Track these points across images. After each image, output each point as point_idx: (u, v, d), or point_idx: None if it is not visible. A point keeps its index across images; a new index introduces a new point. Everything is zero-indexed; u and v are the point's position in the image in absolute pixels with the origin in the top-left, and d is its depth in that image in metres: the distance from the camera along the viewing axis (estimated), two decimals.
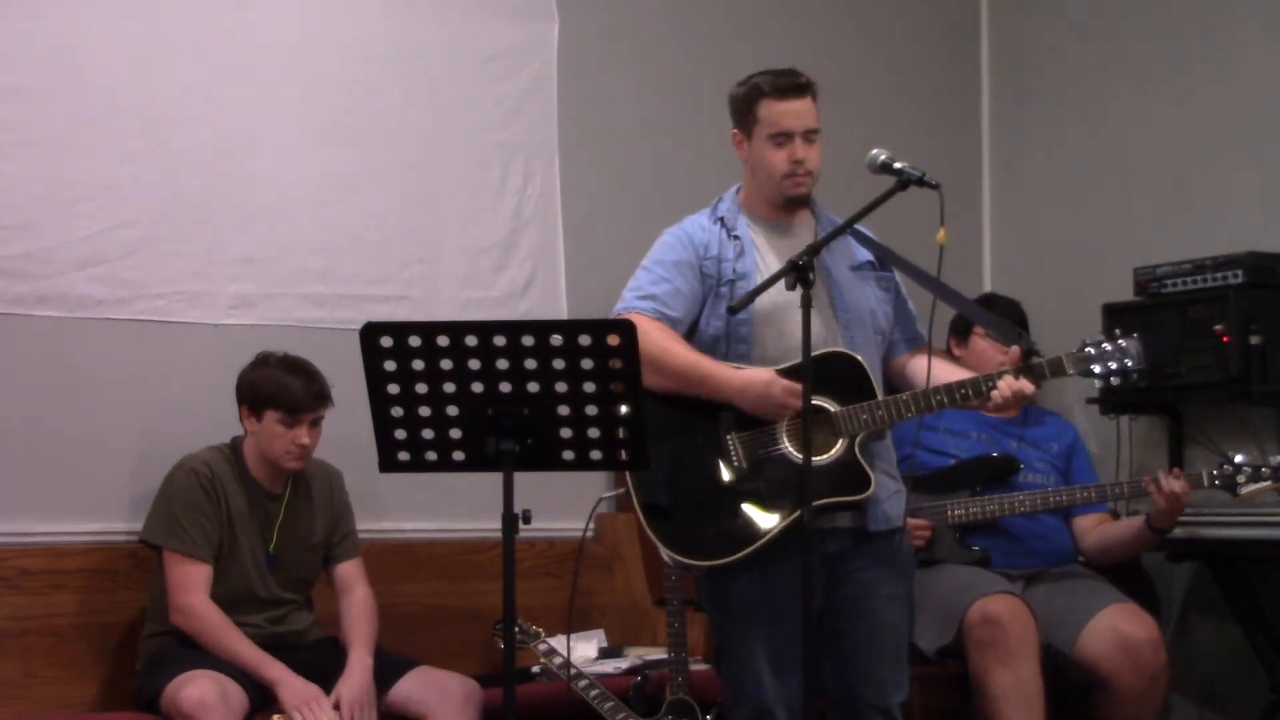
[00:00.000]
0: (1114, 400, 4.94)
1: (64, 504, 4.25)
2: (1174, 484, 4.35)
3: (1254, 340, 4.62)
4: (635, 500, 3.49)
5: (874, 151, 3.45)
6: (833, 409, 3.42)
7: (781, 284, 3.32)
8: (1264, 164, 5.08)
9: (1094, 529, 4.69)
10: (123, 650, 4.16)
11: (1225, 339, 4.63)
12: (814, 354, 3.29)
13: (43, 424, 4.25)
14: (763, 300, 3.39)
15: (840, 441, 3.42)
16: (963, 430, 4.70)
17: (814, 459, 3.28)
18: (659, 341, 3.44)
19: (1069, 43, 5.73)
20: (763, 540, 3.39)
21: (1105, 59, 5.59)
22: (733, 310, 3.39)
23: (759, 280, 3.41)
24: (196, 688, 3.68)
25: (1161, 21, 5.43)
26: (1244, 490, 4.29)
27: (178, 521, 3.94)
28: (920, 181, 3.37)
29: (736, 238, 3.55)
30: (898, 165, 3.40)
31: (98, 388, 4.33)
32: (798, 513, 3.30)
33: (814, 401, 3.29)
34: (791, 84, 3.50)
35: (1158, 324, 4.73)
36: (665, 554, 3.53)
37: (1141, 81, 5.45)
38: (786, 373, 3.41)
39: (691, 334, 3.54)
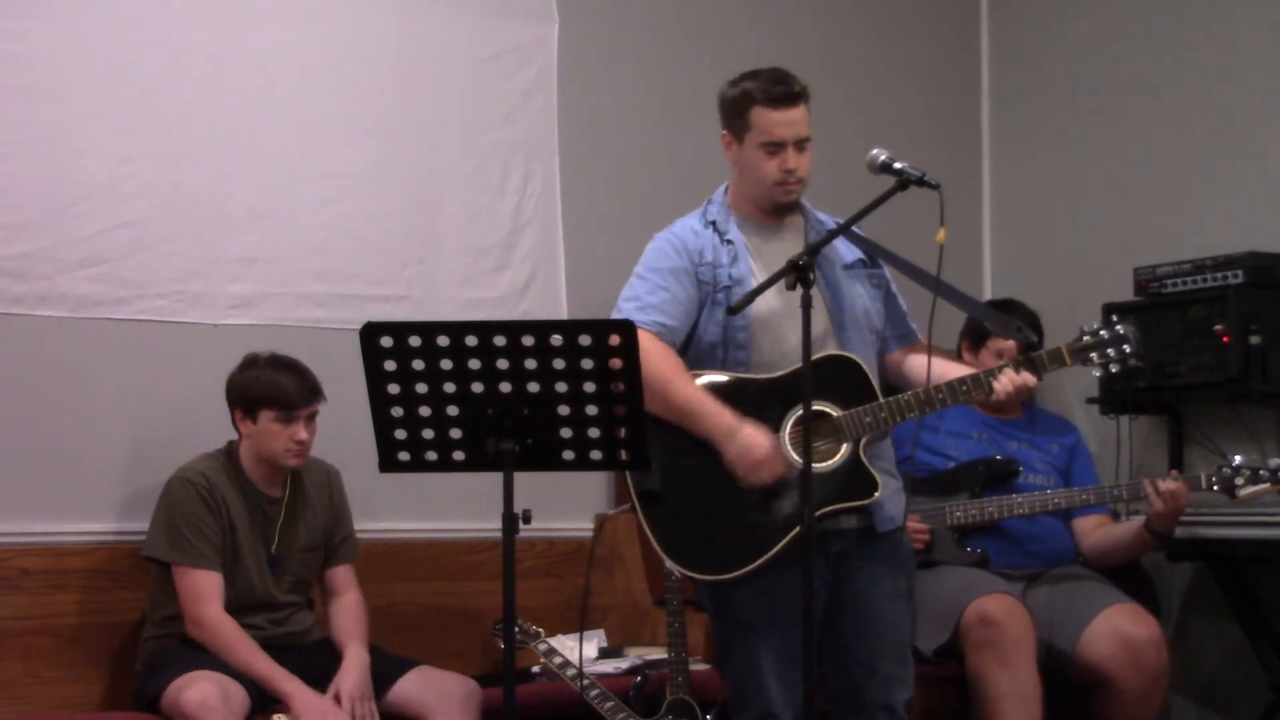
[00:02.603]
0: (1114, 400, 4.94)
1: (64, 504, 4.25)
2: (1172, 486, 4.34)
3: (1254, 340, 4.62)
4: (640, 517, 3.46)
5: (874, 151, 3.44)
6: (835, 413, 3.41)
7: (775, 290, 3.32)
8: (1264, 164, 5.08)
9: (1094, 531, 4.68)
10: (123, 650, 4.15)
11: (1225, 339, 4.62)
12: (813, 358, 3.28)
13: (43, 424, 4.25)
14: (758, 305, 3.37)
15: (845, 446, 3.41)
16: (963, 431, 4.70)
17: (819, 464, 3.32)
18: (661, 368, 3.38)
19: (1069, 43, 5.72)
20: (769, 554, 3.37)
21: (1105, 59, 5.59)
22: (732, 311, 3.37)
23: (753, 285, 3.38)
24: (198, 689, 3.68)
25: (1161, 21, 5.43)
26: (1242, 493, 4.29)
27: (181, 534, 3.93)
28: (920, 181, 3.35)
29: (730, 242, 3.52)
30: (898, 165, 3.39)
31: (98, 388, 4.33)
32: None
33: (816, 406, 3.30)
34: (785, 93, 3.44)
35: (1158, 324, 4.73)
36: (672, 566, 3.50)
37: (1142, 81, 5.45)
38: (788, 378, 3.40)
39: (689, 340, 3.52)
